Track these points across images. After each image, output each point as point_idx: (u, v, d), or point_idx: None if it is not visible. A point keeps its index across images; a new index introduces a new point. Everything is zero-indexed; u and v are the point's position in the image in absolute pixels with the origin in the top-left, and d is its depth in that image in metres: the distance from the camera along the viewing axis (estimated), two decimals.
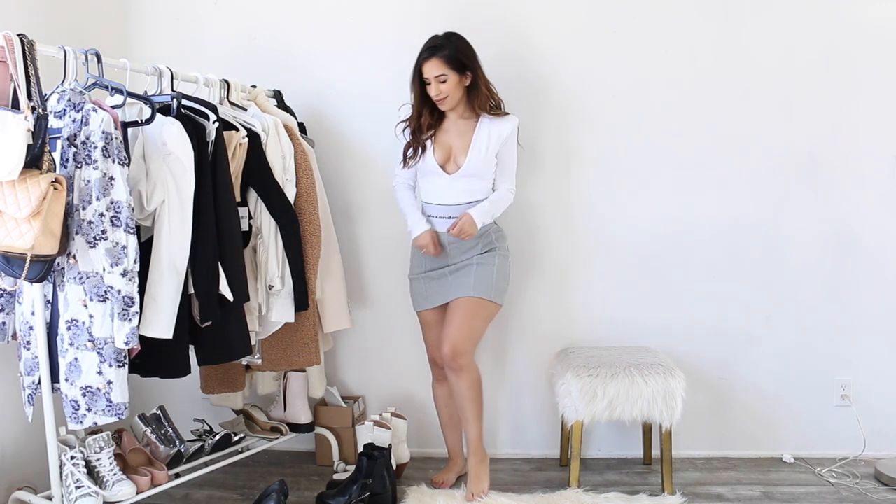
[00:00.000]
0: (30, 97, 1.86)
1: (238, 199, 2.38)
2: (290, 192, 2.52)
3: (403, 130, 2.63)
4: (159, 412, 2.51)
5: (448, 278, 2.58)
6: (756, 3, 2.85)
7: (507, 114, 2.57)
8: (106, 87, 2.09)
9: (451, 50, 2.46)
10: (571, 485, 2.56)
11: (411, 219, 2.61)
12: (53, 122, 1.95)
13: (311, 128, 2.92)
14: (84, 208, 1.92)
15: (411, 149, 2.60)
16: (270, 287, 2.44)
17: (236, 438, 2.65)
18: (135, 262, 1.97)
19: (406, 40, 2.95)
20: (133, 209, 1.99)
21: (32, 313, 2.01)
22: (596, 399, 2.46)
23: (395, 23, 2.96)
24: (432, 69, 2.46)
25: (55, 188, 1.82)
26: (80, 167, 1.93)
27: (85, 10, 2.84)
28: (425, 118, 2.56)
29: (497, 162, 2.57)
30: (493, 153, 2.54)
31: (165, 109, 2.19)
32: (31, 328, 2.05)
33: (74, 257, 1.95)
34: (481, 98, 2.52)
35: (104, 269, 1.93)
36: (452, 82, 2.47)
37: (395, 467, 2.66)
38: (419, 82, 2.53)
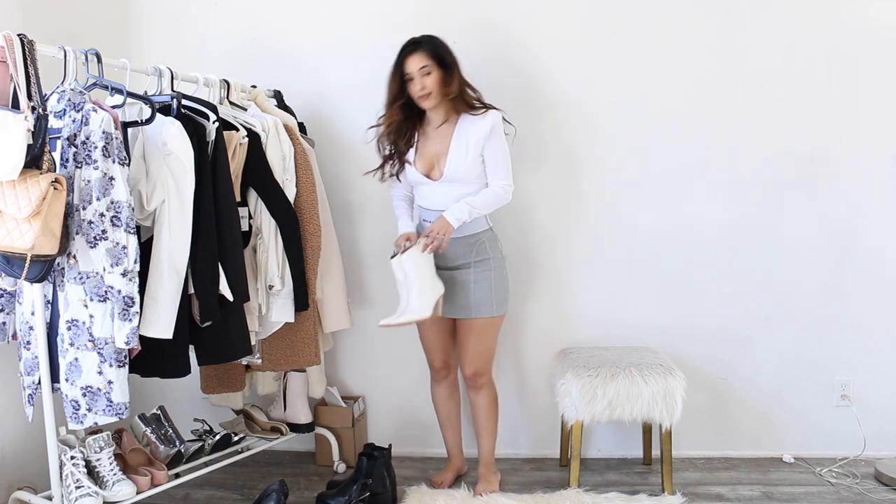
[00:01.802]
0: (30, 97, 1.86)
1: (238, 199, 2.38)
2: (290, 192, 2.52)
3: (379, 140, 2.54)
4: (159, 412, 2.51)
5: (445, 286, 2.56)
6: (756, 4, 2.85)
7: (489, 109, 2.46)
8: (106, 87, 2.09)
9: (434, 46, 2.43)
10: (571, 485, 2.56)
11: (399, 224, 2.60)
12: (53, 122, 1.95)
13: (311, 128, 2.92)
14: (84, 208, 1.92)
15: (389, 163, 2.54)
16: (270, 287, 2.44)
17: (236, 438, 2.65)
18: (135, 262, 1.97)
19: (405, 41, 2.96)
20: (133, 209, 1.99)
21: (32, 313, 2.01)
22: (596, 399, 2.46)
23: (395, 23, 2.95)
24: (416, 62, 2.40)
25: (55, 188, 1.83)
26: (81, 167, 1.93)
27: (85, 10, 2.84)
28: (398, 112, 2.48)
29: (484, 161, 2.47)
30: (475, 155, 2.44)
31: (165, 109, 2.19)
32: (31, 328, 2.05)
33: (75, 257, 1.95)
34: (459, 93, 2.43)
35: (104, 269, 1.94)
36: (436, 76, 2.40)
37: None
38: (399, 81, 2.45)
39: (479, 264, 2.51)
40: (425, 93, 2.42)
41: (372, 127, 2.57)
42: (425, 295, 2.40)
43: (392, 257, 2.45)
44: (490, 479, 2.63)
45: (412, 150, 2.53)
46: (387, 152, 2.55)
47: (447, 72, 2.42)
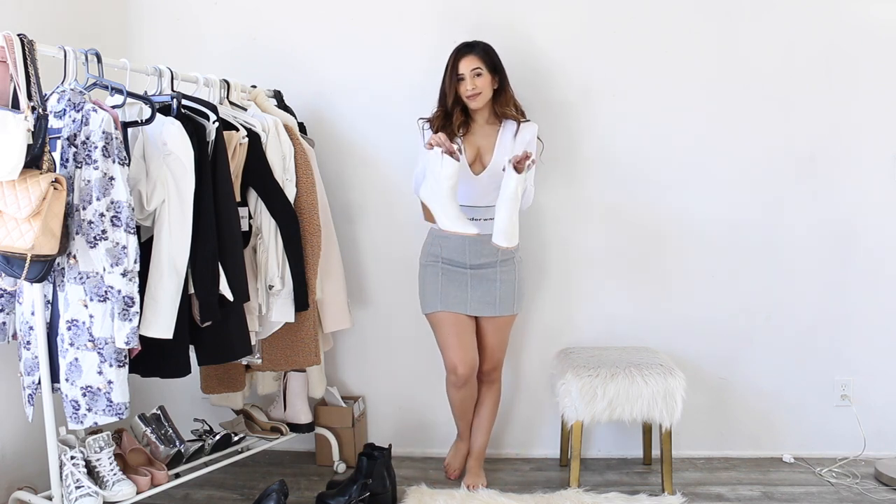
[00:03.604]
0: (30, 97, 1.86)
1: (238, 199, 2.38)
2: (290, 192, 2.52)
3: (427, 128, 2.59)
4: (159, 412, 2.51)
5: (468, 286, 2.57)
6: (756, 4, 2.85)
7: (528, 120, 2.60)
8: (106, 87, 2.09)
9: (487, 50, 2.54)
10: (571, 485, 2.56)
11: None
12: (53, 122, 1.95)
13: (311, 128, 2.92)
14: (84, 208, 1.92)
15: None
16: (270, 287, 2.44)
17: (236, 438, 2.65)
18: (135, 262, 1.97)
19: (406, 41, 2.97)
20: (133, 209, 1.99)
21: (32, 313, 2.01)
22: (596, 399, 2.46)
23: (394, 23, 2.96)
24: (470, 63, 2.50)
25: (55, 188, 1.83)
26: (81, 167, 1.93)
27: (85, 10, 2.84)
28: (457, 117, 2.55)
29: None
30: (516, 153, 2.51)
31: (165, 109, 2.19)
32: (31, 328, 2.05)
33: (75, 257, 1.95)
34: (507, 102, 2.56)
35: (104, 269, 1.93)
36: (486, 79, 2.51)
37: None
38: (453, 78, 2.53)
39: (504, 263, 2.59)
40: (475, 92, 2.51)
41: (422, 119, 2.62)
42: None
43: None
44: (479, 473, 2.70)
45: (460, 140, 2.58)
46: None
47: (497, 76, 2.55)
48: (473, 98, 2.52)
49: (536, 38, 2.91)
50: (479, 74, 2.50)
